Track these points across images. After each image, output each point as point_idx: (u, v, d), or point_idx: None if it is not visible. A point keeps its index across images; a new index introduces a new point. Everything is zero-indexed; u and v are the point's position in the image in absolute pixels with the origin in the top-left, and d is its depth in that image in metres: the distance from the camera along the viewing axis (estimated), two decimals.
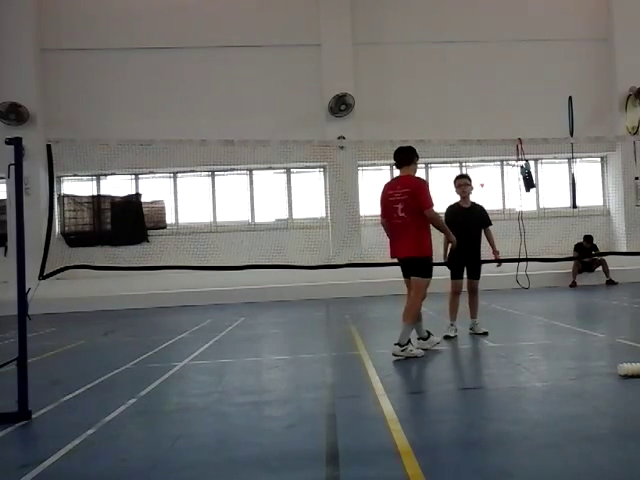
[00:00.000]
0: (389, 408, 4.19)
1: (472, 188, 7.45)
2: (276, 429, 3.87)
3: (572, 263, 14.89)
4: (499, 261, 6.99)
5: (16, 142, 4.49)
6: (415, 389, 5.10)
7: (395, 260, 6.43)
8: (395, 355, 5.98)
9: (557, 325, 8.14)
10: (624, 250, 15.27)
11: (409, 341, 6.06)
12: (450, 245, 6.79)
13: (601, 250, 15.21)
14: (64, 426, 4.17)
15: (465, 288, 7.35)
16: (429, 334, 6.56)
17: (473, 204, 7.47)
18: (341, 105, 15.21)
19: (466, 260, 7.15)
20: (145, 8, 15.49)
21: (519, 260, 6.17)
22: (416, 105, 15.49)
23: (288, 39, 15.61)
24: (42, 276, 4.81)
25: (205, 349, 7.42)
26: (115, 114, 15.06)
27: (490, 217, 7.62)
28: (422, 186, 6.18)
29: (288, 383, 5.48)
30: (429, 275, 6.18)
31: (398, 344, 6.01)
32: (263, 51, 15.66)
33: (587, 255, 14.16)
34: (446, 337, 7.15)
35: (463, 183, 7.39)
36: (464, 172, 7.24)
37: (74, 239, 15.44)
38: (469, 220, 7.22)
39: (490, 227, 7.51)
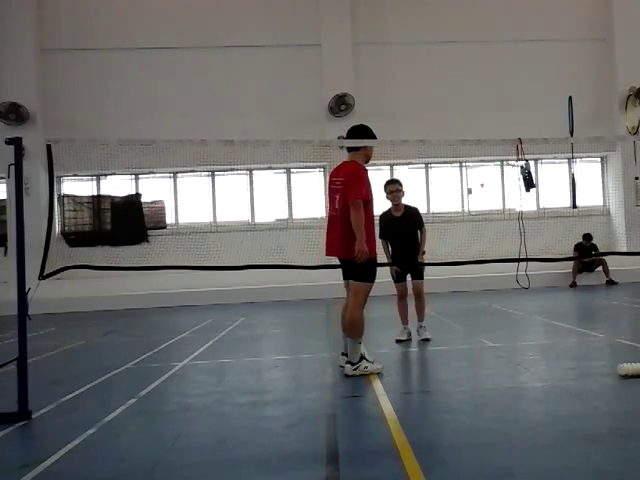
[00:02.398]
0: (389, 408, 4.19)
1: (404, 193, 6.96)
2: (276, 429, 3.87)
3: (572, 263, 14.89)
4: (422, 264, 6.86)
5: (16, 142, 4.48)
6: (415, 389, 5.10)
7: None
8: (347, 375, 5.27)
9: (557, 325, 8.14)
10: (624, 250, 15.27)
11: (362, 357, 5.30)
12: (390, 249, 6.74)
13: (601, 250, 15.21)
14: (64, 426, 4.17)
15: (411, 291, 7.15)
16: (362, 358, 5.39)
17: (406, 209, 7.06)
18: (341, 105, 15.20)
19: (406, 265, 6.96)
20: (145, 8, 15.48)
21: (519, 260, 6.15)
22: (416, 105, 15.49)
23: (288, 39, 15.61)
24: (42, 276, 4.81)
25: (205, 349, 7.42)
26: (115, 114, 15.06)
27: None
28: (359, 174, 5.27)
29: (288, 383, 5.48)
30: (370, 279, 5.30)
31: (350, 362, 5.31)
32: (263, 51, 15.65)
33: (587, 255, 14.16)
34: (397, 341, 7.09)
35: (395, 189, 6.91)
36: (395, 177, 6.76)
37: (74, 239, 15.43)
38: (403, 228, 6.94)
39: (423, 228, 7.12)
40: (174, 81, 15.42)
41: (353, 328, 5.31)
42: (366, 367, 5.29)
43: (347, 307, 5.48)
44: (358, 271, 5.27)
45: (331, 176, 5.57)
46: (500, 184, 16.60)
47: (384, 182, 7.14)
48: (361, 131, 5.56)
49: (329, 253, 5.47)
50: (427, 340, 7.00)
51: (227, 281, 14.02)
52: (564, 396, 4.38)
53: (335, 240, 5.33)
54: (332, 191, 5.44)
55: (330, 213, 5.47)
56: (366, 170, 5.47)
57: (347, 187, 5.20)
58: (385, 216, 7.10)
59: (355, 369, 5.28)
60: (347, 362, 5.35)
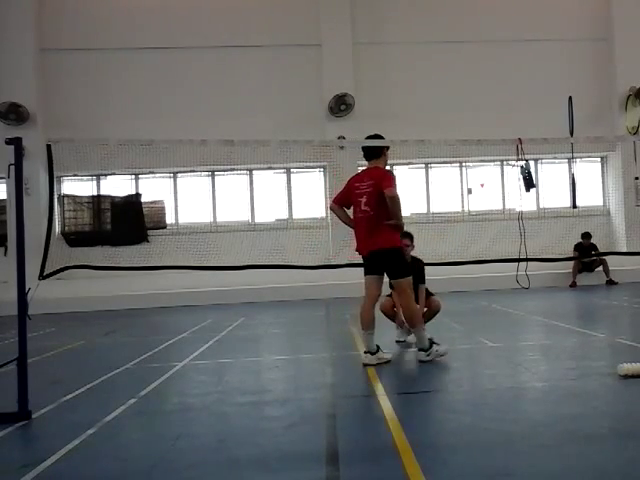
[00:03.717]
0: (389, 408, 4.19)
1: (413, 247, 7.10)
2: (276, 429, 3.87)
3: (572, 263, 14.89)
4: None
5: (16, 142, 4.49)
6: (415, 389, 5.10)
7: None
8: (422, 361, 5.79)
9: (557, 325, 8.14)
10: (624, 250, 15.28)
11: (432, 343, 5.85)
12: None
13: (601, 250, 15.22)
14: (64, 426, 4.17)
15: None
16: (378, 349, 5.91)
17: (413, 261, 7.06)
18: (341, 105, 15.21)
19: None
20: (145, 8, 15.48)
21: (519, 260, 6.16)
22: (416, 105, 15.49)
23: (288, 39, 15.61)
24: (42, 276, 4.82)
25: (205, 349, 7.42)
26: (115, 114, 15.06)
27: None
28: (388, 174, 5.91)
29: (288, 383, 5.48)
30: (408, 273, 5.88)
31: (421, 350, 5.84)
32: (263, 51, 15.66)
33: (587, 255, 14.16)
34: (397, 342, 7.13)
35: (405, 244, 6.87)
36: (408, 231, 6.76)
37: (74, 239, 15.43)
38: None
39: (423, 286, 7.13)
40: (174, 81, 15.42)
41: (415, 318, 5.83)
42: (437, 350, 5.81)
43: (367, 304, 5.93)
44: (397, 268, 5.77)
45: (354, 182, 5.99)
46: (500, 184, 16.60)
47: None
48: (378, 139, 6.05)
49: (365, 252, 5.85)
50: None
51: (227, 281, 14.03)
52: (564, 396, 4.38)
53: (368, 238, 5.77)
54: (357, 195, 5.88)
55: (357, 215, 5.90)
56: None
57: (380, 183, 5.68)
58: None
59: (428, 354, 5.77)
60: (419, 349, 5.83)
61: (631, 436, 3.43)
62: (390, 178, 5.80)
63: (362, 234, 5.87)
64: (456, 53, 15.87)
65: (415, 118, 15.11)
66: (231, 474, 3.16)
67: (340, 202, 6.17)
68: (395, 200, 5.64)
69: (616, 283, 14.63)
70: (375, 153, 6.02)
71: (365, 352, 5.88)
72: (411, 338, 7.02)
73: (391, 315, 7.22)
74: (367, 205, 5.79)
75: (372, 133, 6.14)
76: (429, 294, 7.19)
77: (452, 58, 15.84)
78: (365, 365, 5.76)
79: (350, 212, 6.10)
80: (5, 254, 14.32)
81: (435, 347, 5.83)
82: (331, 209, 6.31)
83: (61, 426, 4.19)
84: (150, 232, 15.72)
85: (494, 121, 14.89)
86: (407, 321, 5.99)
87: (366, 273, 5.96)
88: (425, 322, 7.03)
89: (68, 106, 15.15)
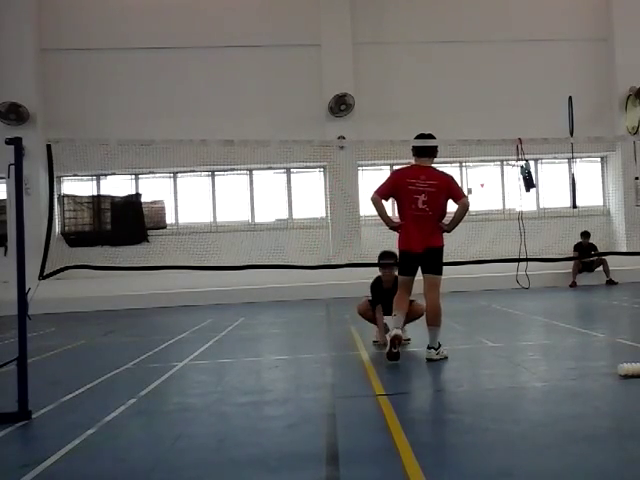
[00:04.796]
0: (389, 408, 4.19)
1: (395, 272, 6.88)
2: (276, 429, 3.87)
3: (572, 263, 14.90)
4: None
5: (16, 142, 4.48)
6: (415, 389, 5.10)
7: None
8: (431, 360, 5.80)
9: (557, 325, 8.14)
10: (624, 250, 15.28)
11: (440, 344, 5.90)
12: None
13: (601, 250, 15.22)
14: (64, 426, 4.16)
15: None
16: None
17: (395, 282, 6.88)
18: (341, 105, 15.21)
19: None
20: (145, 8, 15.48)
21: (519, 260, 6.15)
22: (416, 105, 15.48)
23: (288, 39, 15.61)
24: (42, 276, 4.81)
25: (205, 349, 7.42)
26: (115, 114, 15.05)
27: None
28: (456, 182, 6.11)
29: (288, 383, 5.48)
30: (442, 272, 5.99)
31: (432, 348, 5.86)
32: (263, 51, 15.66)
33: (587, 255, 14.16)
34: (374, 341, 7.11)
35: (388, 272, 6.94)
36: (390, 252, 6.83)
37: (74, 239, 15.44)
38: (391, 297, 6.66)
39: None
40: (174, 81, 15.42)
41: (439, 316, 5.88)
42: (444, 351, 5.91)
43: (403, 297, 6.01)
44: (440, 265, 5.91)
45: (404, 177, 5.94)
46: (500, 184, 16.60)
47: (379, 253, 7.08)
48: (433, 144, 6.10)
49: (421, 248, 5.82)
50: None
51: (227, 281, 14.02)
52: (564, 396, 4.38)
53: (424, 235, 5.80)
54: (411, 192, 5.84)
55: (410, 213, 5.85)
56: None
57: (450, 188, 5.90)
58: (377, 283, 7.09)
59: (438, 353, 5.84)
60: (430, 347, 5.86)
61: (631, 436, 3.43)
62: (458, 184, 6.05)
63: (416, 232, 5.81)
64: (456, 53, 15.87)
65: (415, 118, 15.03)
66: (231, 474, 3.16)
67: (384, 194, 5.99)
68: (467, 210, 5.85)
69: (616, 283, 14.63)
70: (432, 151, 6.07)
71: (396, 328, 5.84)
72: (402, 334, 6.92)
73: (369, 317, 7.16)
74: (426, 204, 5.79)
75: (425, 132, 6.11)
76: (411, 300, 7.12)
77: (452, 58, 15.84)
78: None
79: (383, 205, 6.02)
80: (5, 254, 14.32)
81: (442, 348, 5.91)
82: (373, 201, 6.01)
83: (61, 426, 4.19)
84: (150, 232, 15.72)
85: (494, 121, 14.89)
86: (430, 316, 5.90)
87: (406, 273, 6.00)
88: (407, 322, 7.02)
89: (68, 106, 15.15)
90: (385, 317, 6.97)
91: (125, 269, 6.75)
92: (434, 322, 5.87)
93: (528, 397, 4.50)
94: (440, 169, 6.07)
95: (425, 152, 6.04)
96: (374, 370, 5.56)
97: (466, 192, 16.45)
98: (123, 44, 15.33)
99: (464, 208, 5.84)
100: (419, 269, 5.99)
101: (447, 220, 6.02)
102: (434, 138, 6.05)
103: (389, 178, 6.15)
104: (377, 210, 6.01)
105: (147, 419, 4.36)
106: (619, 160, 16.03)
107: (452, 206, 6.01)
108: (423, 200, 5.80)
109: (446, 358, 5.88)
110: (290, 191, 16.31)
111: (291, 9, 15.71)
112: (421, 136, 6.04)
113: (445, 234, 6.04)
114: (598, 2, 16.38)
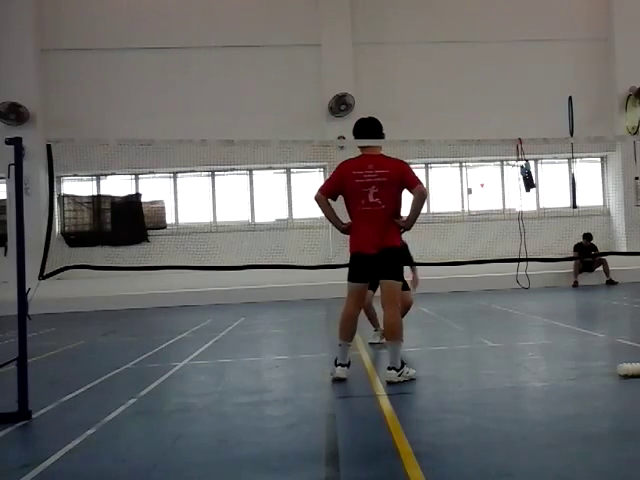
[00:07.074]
0: (389, 408, 4.19)
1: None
2: (276, 429, 3.87)
3: (572, 263, 14.91)
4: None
5: (16, 142, 4.48)
6: (415, 389, 5.10)
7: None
8: (392, 383, 4.89)
9: (557, 325, 8.15)
10: (624, 250, 15.28)
11: (402, 362, 5.00)
12: None
13: (601, 250, 15.22)
14: (64, 426, 4.17)
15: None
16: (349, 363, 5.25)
17: None
18: (341, 105, 15.20)
19: None
20: (145, 8, 15.48)
21: (519, 260, 6.14)
22: (416, 105, 15.48)
23: (288, 39, 15.61)
24: (42, 276, 4.81)
25: (205, 349, 7.42)
26: (115, 114, 15.05)
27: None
28: (409, 168, 5.16)
29: (288, 383, 5.48)
30: (402, 277, 5.27)
31: (393, 368, 4.93)
32: (263, 51, 15.66)
33: (587, 255, 14.16)
34: (370, 343, 7.01)
35: None
36: None
37: (74, 239, 15.44)
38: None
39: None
40: (174, 81, 15.42)
41: (397, 330, 4.99)
42: (408, 372, 5.01)
43: (352, 314, 5.25)
44: (399, 269, 5.12)
45: (350, 169, 5.10)
46: (500, 184, 16.60)
47: None
48: (377, 125, 5.30)
49: (376, 249, 4.99)
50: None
51: (227, 281, 14.02)
52: (564, 396, 4.38)
53: (378, 234, 4.98)
54: (359, 185, 5.01)
55: (360, 209, 5.04)
56: None
57: (403, 176, 5.03)
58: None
59: (400, 375, 4.94)
60: (390, 368, 4.95)
61: (631, 436, 3.43)
62: (412, 171, 5.12)
63: (370, 230, 4.99)
64: (456, 53, 15.87)
65: (415, 118, 15.09)
66: (231, 474, 3.16)
67: (329, 192, 5.21)
68: (424, 199, 5.01)
69: (616, 283, 14.63)
70: (374, 130, 5.22)
71: (341, 365, 5.11)
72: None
73: (370, 315, 7.00)
74: (378, 197, 4.97)
75: (364, 117, 5.39)
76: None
77: (452, 58, 15.84)
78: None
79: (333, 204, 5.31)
80: (5, 254, 14.31)
81: (407, 368, 5.02)
82: (316, 200, 5.21)
83: (61, 426, 4.19)
84: (150, 232, 15.73)
85: (494, 121, 14.87)
86: (389, 331, 5.04)
87: (356, 280, 5.14)
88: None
89: (68, 106, 15.15)
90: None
91: (125, 269, 6.74)
92: (393, 336, 4.98)
93: (528, 397, 4.50)
94: (393, 156, 5.23)
95: (365, 132, 5.23)
96: (374, 370, 5.56)
97: (466, 192, 16.51)
98: (123, 44, 15.33)
99: (421, 197, 4.97)
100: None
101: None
102: (377, 122, 5.30)
103: (333, 172, 5.31)
104: (322, 211, 5.22)
105: (147, 419, 4.36)
106: (619, 160, 16.04)
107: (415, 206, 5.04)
108: (374, 192, 4.97)
109: (412, 380, 4.99)
110: (290, 191, 16.31)
111: (291, 9, 15.71)
112: (361, 121, 5.33)
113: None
114: (598, 2, 16.38)
